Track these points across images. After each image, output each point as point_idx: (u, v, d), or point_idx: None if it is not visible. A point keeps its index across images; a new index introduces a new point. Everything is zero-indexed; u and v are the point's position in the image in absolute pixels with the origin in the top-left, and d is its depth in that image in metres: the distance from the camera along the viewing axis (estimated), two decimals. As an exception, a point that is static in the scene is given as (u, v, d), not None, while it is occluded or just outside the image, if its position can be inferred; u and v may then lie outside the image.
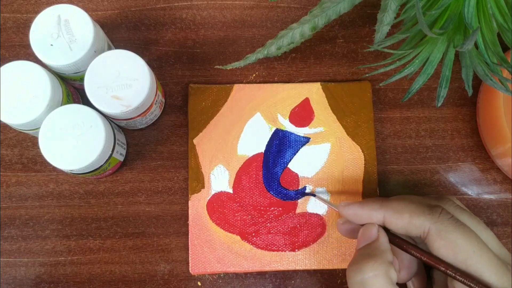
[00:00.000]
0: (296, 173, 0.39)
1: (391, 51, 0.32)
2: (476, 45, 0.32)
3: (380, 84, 0.35)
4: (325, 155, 0.40)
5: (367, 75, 0.35)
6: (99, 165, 0.35)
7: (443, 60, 0.33)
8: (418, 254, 0.30)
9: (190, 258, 0.38)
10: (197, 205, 0.39)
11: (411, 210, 0.30)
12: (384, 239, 0.31)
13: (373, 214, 0.31)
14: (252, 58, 0.38)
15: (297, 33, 0.37)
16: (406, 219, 0.30)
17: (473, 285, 0.27)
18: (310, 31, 0.36)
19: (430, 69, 0.33)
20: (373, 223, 0.32)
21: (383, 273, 0.28)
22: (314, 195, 0.39)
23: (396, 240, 0.31)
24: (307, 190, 0.39)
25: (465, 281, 0.28)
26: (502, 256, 0.30)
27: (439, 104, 0.34)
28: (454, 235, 0.29)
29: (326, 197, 0.39)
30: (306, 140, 0.40)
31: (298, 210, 0.39)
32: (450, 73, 0.33)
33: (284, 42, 0.37)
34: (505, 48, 0.33)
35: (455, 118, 0.41)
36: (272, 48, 0.38)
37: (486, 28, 0.31)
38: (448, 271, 0.29)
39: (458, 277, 0.28)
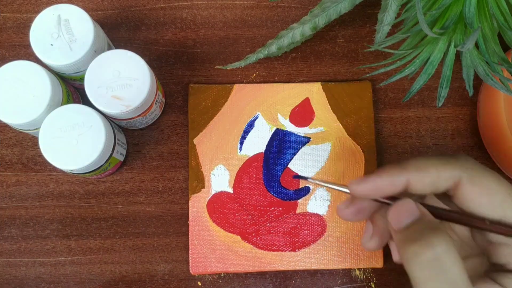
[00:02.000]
0: (296, 173, 0.39)
1: (392, 51, 0.32)
2: (476, 45, 0.32)
3: (381, 84, 0.35)
4: (325, 155, 0.40)
5: (367, 75, 0.35)
6: (99, 165, 0.35)
7: (444, 60, 0.33)
8: (453, 216, 0.28)
9: (190, 258, 0.38)
10: (197, 205, 0.39)
11: (436, 164, 0.28)
12: (425, 211, 0.28)
13: (395, 180, 0.28)
14: (252, 58, 0.38)
15: (298, 33, 0.37)
16: (434, 174, 0.28)
17: None
18: (310, 31, 0.36)
19: (431, 69, 0.33)
20: (406, 199, 0.28)
21: (453, 246, 0.26)
22: (306, 178, 0.37)
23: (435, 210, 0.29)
24: (310, 190, 0.39)
25: (504, 230, 0.26)
26: None
27: (440, 104, 0.34)
28: (487, 179, 0.27)
29: (326, 197, 0.39)
30: (306, 140, 0.40)
31: (298, 210, 0.39)
32: (450, 73, 0.33)
33: (285, 42, 0.37)
34: (505, 48, 0.33)
35: (455, 118, 0.41)
36: (272, 48, 0.38)
37: (487, 27, 0.31)
38: (492, 228, 0.27)
39: (496, 228, 0.27)
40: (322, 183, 0.33)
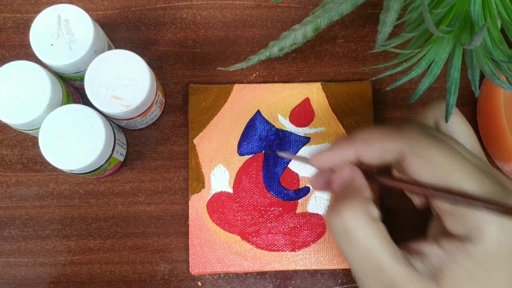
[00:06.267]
0: (296, 173, 0.39)
1: (399, 51, 0.32)
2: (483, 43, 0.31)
3: (387, 88, 0.35)
4: (325, 155, 0.40)
5: (373, 78, 0.35)
6: (99, 165, 0.35)
7: (450, 61, 0.33)
8: (394, 183, 0.28)
9: (190, 258, 0.38)
10: (197, 205, 0.39)
11: (381, 136, 0.28)
12: (358, 175, 0.29)
13: (345, 153, 0.29)
14: (254, 59, 0.38)
15: (300, 34, 0.37)
16: (378, 146, 0.28)
17: (453, 199, 0.26)
18: (312, 32, 0.36)
19: (436, 69, 0.33)
20: (347, 163, 0.29)
21: (364, 212, 0.26)
22: (275, 152, 0.38)
23: (370, 174, 0.29)
24: (310, 190, 0.39)
25: (445, 196, 0.26)
26: (480, 166, 0.28)
27: (449, 118, 0.32)
28: (430, 151, 0.27)
29: (326, 197, 0.39)
30: (306, 140, 0.40)
31: (298, 210, 0.39)
32: (459, 75, 0.32)
33: (287, 43, 0.37)
34: (509, 44, 0.33)
35: (455, 118, 0.41)
36: (274, 49, 0.38)
37: (492, 25, 0.31)
38: (429, 191, 0.27)
39: (438, 194, 0.26)
40: (291, 156, 0.35)
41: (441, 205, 0.27)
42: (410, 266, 0.26)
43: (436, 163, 0.27)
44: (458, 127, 0.30)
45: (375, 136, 0.29)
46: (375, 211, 0.27)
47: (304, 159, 0.32)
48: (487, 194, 0.26)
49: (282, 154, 0.35)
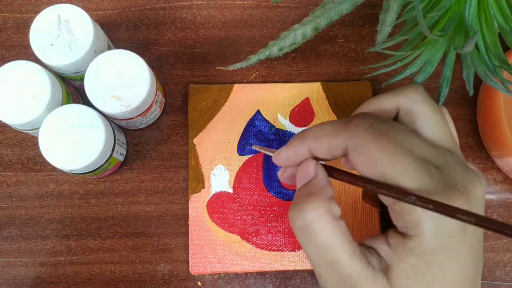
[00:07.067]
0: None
1: (392, 53, 0.32)
2: (477, 47, 0.32)
3: (382, 85, 0.35)
4: (325, 155, 0.40)
5: (368, 75, 0.35)
6: (99, 165, 0.35)
7: (445, 60, 0.33)
8: (341, 177, 0.29)
9: (190, 258, 0.38)
10: (197, 205, 0.39)
11: (328, 131, 0.29)
12: (322, 174, 0.29)
13: (299, 149, 0.30)
14: (254, 59, 0.38)
15: (299, 34, 0.37)
16: (326, 142, 0.29)
17: (388, 192, 0.26)
18: (312, 32, 0.36)
19: (429, 68, 0.33)
20: (310, 159, 0.30)
21: (325, 211, 0.27)
22: (251, 144, 0.39)
23: (327, 168, 0.30)
24: None
25: (380, 190, 0.26)
26: (430, 159, 0.28)
27: (440, 104, 0.34)
28: (370, 148, 0.27)
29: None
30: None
31: (298, 210, 0.39)
32: (451, 73, 0.33)
33: (286, 43, 0.37)
34: (506, 47, 0.33)
35: (455, 118, 0.41)
36: (274, 49, 0.38)
37: (487, 29, 0.31)
38: (366, 185, 0.27)
39: (375, 188, 0.27)
40: (261, 149, 0.35)
41: (385, 201, 0.28)
42: (367, 263, 0.27)
43: (375, 159, 0.27)
44: (424, 116, 0.30)
45: (324, 132, 0.29)
46: (336, 209, 0.28)
47: (269, 153, 0.33)
48: (423, 190, 0.26)
49: (255, 147, 0.36)
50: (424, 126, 0.30)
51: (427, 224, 0.26)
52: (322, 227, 0.27)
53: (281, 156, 0.31)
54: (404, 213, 0.27)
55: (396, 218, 0.27)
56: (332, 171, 0.30)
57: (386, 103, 0.31)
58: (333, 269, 0.27)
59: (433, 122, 0.30)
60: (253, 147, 0.36)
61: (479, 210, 0.27)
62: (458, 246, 0.27)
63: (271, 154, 0.32)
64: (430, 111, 0.30)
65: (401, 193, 0.26)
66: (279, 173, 0.33)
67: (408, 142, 0.28)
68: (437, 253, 0.26)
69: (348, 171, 0.29)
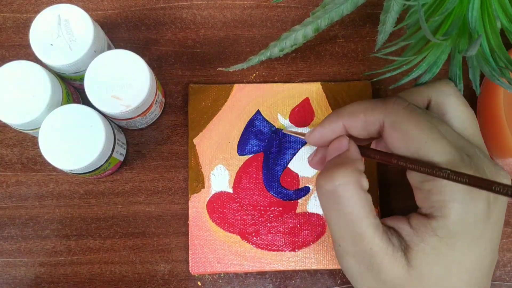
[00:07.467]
0: (296, 173, 0.39)
1: (395, 58, 0.32)
2: (481, 48, 0.32)
3: (390, 87, 0.35)
4: (325, 155, 0.40)
5: (375, 79, 0.35)
6: (99, 165, 0.35)
7: (451, 61, 0.33)
8: (373, 155, 0.29)
9: (190, 258, 0.38)
10: (197, 205, 0.39)
11: (365, 108, 0.29)
12: (354, 148, 0.30)
13: (333, 126, 0.31)
14: (255, 60, 0.38)
15: (300, 35, 0.37)
16: (362, 119, 0.29)
17: (422, 168, 0.27)
18: (313, 32, 0.36)
19: (435, 68, 0.33)
20: (343, 135, 0.30)
21: (355, 180, 0.28)
22: (281, 130, 0.39)
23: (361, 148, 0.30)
24: (310, 190, 0.39)
25: (414, 166, 0.27)
26: (459, 145, 0.28)
27: None
28: (408, 125, 0.28)
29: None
30: (306, 140, 0.40)
31: (298, 210, 0.39)
32: (461, 71, 0.33)
33: (287, 44, 0.37)
34: (507, 44, 0.33)
35: (455, 118, 0.41)
36: (275, 50, 0.38)
37: (491, 31, 0.31)
38: (399, 162, 0.28)
39: (408, 164, 0.27)
40: (291, 132, 0.37)
41: (412, 180, 0.28)
42: (388, 239, 0.28)
43: (411, 136, 0.27)
44: (454, 109, 0.31)
45: (360, 109, 0.30)
46: (366, 183, 0.28)
47: (301, 136, 0.34)
48: (455, 166, 0.26)
49: (285, 131, 0.37)
50: (454, 119, 0.30)
51: (455, 207, 0.26)
52: (350, 195, 0.27)
53: (315, 134, 0.31)
54: (433, 193, 0.27)
55: (423, 199, 0.28)
56: (364, 150, 0.30)
57: (418, 94, 0.31)
58: (355, 241, 0.28)
59: (464, 117, 0.30)
60: (284, 131, 0.37)
61: (505, 200, 0.28)
62: (480, 233, 0.27)
63: (303, 137, 0.33)
64: (460, 105, 0.31)
65: (435, 168, 0.26)
66: (309, 158, 0.33)
67: (443, 128, 0.28)
68: (460, 237, 0.27)
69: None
